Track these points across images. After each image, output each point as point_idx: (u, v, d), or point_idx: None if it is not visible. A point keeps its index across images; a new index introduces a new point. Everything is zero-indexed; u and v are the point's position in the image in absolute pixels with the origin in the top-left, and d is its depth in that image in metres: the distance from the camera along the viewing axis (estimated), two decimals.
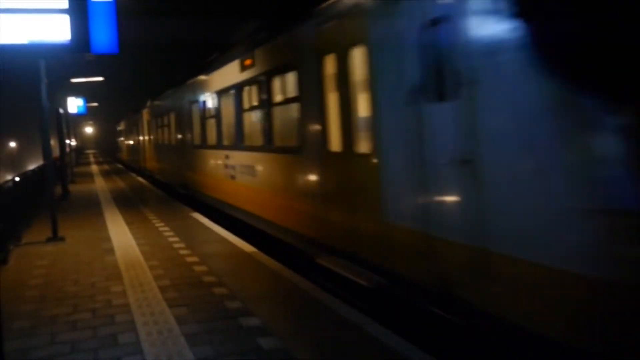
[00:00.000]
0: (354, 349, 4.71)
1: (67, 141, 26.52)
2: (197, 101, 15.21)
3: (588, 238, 3.78)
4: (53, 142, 18.49)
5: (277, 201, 9.39)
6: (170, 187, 19.95)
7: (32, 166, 20.46)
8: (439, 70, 5.00)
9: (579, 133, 3.92)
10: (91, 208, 15.23)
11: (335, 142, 7.19)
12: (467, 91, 4.67)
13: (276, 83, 9.57)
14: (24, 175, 13.53)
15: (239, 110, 11.37)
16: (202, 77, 14.61)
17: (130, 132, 38.44)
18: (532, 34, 4.15)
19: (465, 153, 4.73)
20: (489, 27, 4.45)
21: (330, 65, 7.18)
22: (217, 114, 13.06)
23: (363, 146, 6.50)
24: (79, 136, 68.41)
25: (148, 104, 26.60)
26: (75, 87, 31.13)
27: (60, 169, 19.55)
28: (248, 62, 10.48)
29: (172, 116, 19.34)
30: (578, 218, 3.83)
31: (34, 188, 14.85)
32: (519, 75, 4.20)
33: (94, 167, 40.11)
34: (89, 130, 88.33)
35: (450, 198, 5.00)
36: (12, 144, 69.99)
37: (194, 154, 15.88)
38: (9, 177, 13.49)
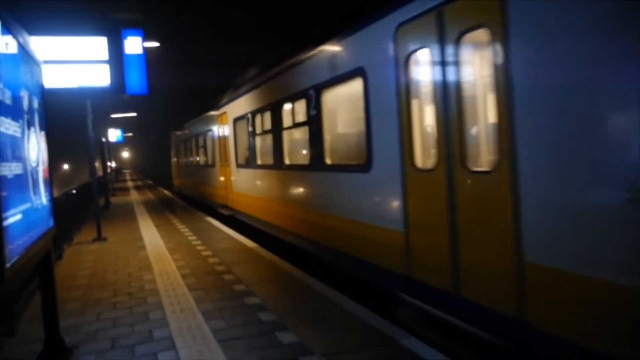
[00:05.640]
0: (335, 321, 4.66)
1: (109, 163, 26.19)
2: None
3: None
4: (97, 164, 18.25)
5: None
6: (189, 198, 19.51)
7: (81, 183, 20.09)
8: None
9: None
10: (127, 215, 15.00)
11: None
12: None
13: None
14: (74, 190, 13.28)
15: None
16: None
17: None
18: None
19: None
20: None
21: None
22: None
23: None
24: (117, 159, 67.67)
25: None
26: (114, 121, 30.91)
27: (104, 185, 19.30)
28: None
29: None
30: None
31: (83, 200, 14.58)
32: None
33: (130, 183, 39.59)
34: (125, 154, 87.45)
35: None
36: (65, 166, 68.99)
37: None
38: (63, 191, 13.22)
